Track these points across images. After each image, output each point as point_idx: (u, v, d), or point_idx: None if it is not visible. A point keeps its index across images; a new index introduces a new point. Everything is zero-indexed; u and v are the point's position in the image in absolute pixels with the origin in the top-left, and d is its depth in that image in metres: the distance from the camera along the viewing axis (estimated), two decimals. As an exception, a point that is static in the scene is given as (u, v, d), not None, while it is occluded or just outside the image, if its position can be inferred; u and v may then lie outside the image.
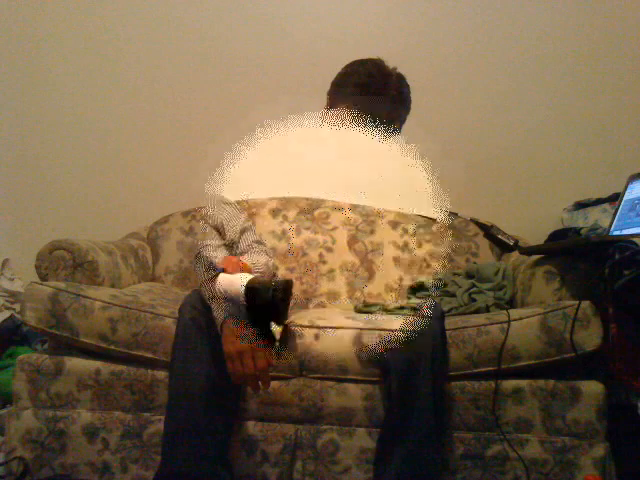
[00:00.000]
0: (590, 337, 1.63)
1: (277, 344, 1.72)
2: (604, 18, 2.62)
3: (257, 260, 2.17)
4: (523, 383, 1.66)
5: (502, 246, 2.36)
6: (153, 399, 1.71)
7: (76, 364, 1.73)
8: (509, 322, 1.66)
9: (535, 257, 1.91)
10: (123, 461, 1.70)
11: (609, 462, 1.63)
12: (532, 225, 2.53)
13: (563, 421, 1.65)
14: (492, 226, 2.41)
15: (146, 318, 1.73)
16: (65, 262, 1.89)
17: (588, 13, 2.62)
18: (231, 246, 2.29)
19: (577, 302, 1.64)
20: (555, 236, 1.97)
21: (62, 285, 1.78)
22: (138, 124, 2.57)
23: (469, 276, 2.12)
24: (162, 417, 1.68)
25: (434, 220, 2.48)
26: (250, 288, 1.60)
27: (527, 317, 1.67)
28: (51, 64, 2.70)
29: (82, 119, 2.68)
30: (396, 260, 2.39)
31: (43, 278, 1.90)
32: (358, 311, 2.14)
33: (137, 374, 1.71)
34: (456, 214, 2.50)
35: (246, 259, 2.14)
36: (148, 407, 1.71)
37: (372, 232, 2.43)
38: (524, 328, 1.65)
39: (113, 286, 2.01)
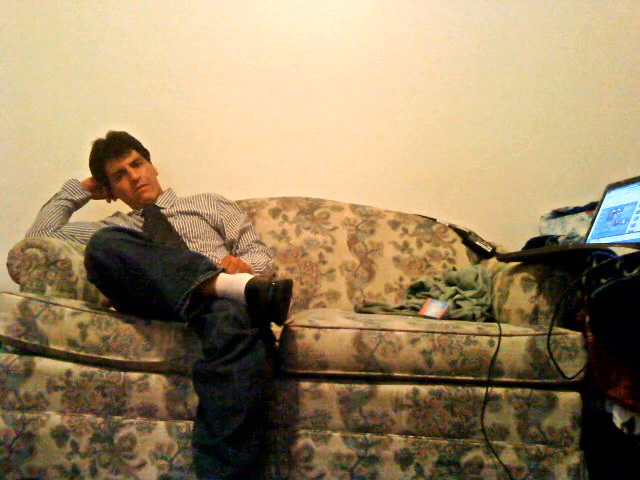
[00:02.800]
0: (575, 368, 1.63)
1: (277, 344, 1.71)
2: (583, 29, 2.65)
3: (257, 260, 2.19)
4: (500, 390, 1.65)
5: (480, 252, 2.38)
6: (125, 402, 1.67)
7: (46, 365, 1.69)
8: (500, 336, 1.65)
9: (513, 264, 1.91)
10: (93, 465, 1.66)
11: (583, 470, 1.64)
12: (510, 232, 2.54)
13: (539, 428, 1.65)
14: (470, 232, 2.43)
15: (117, 321, 1.70)
16: (37, 261, 1.85)
17: (569, 28, 2.65)
18: (231, 246, 2.31)
19: (568, 331, 1.66)
20: (533, 244, 1.98)
21: (32, 295, 1.74)
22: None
23: (449, 284, 2.13)
24: (133, 421, 1.66)
25: (434, 220, 2.49)
26: (250, 288, 1.60)
27: (517, 335, 1.66)
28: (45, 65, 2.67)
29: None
30: (396, 260, 2.40)
31: (15, 277, 1.86)
32: (358, 311, 2.14)
33: (109, 376, 1.68)
34: (435, 220, 2.51)
35: (246, 259, 2.16)
36: (119, 410, 1.68)
37: (372, 232, 2.46)
38: (512, 345, 1.65)
39: (87, 287, 1.97)
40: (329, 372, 1.67)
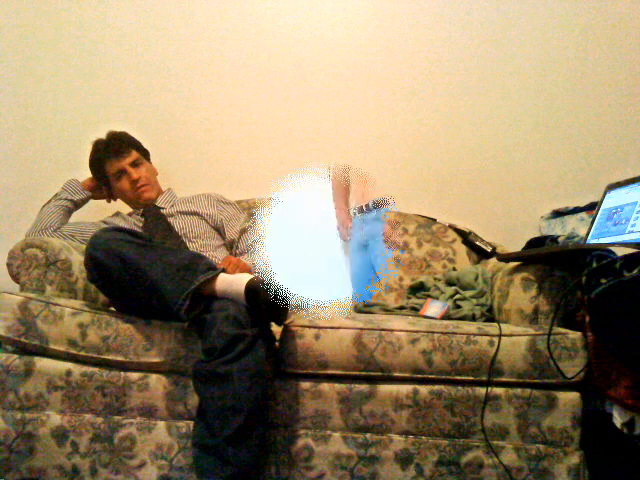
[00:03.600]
0: (575, 368, 1.63)
1: (277, 344, 1.71)
2: (583, 29, 2.65)
3: (257, 260, 2.18)
4: (500, 390, 1.65)
5: (480, 252, 2.38)
6: (125, 402, 1.67)
7: (46, 365, 1.69)
8: (500, 336, 1.65)
9: (513, 264, 1.91)
10: (93, 465, 1.66)
11: (583, 470, 1.64)
12: (510, 232, 2.54)
13: (538, 428, 1.65)
14: (470, 232, 2.42)
15: (117, 321, 1.70)
16: (37, 260, 1.85)
17: (569, 28, 2.65)
18: (231, 246, 2.31)
19: (568, 331, 1.66)
20: (533, 244, 1.97)
21: (32, 295, 1.74)
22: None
23: (449, 284, 2.13)
24: (133, 421, 1.66)
25: (434, 220, 2.50)
26: (250, 288, 1.60)
27: (517, 335, 1.66)
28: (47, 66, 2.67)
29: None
30: (396, 260, 2.40)
31: (15, 276, 1.86)
32: (358, 311, 2.14)
33: (109, 376, 1.68)
34: (435, 220, 2.51)
35: (246, 259, 2.16)
36: (119, 410, 1.68)
37: (372, 232, 2.46)
38: (512, 345, 1.65)
39: (87, 287, 1.97)
40: (329, 372, 1.67)
